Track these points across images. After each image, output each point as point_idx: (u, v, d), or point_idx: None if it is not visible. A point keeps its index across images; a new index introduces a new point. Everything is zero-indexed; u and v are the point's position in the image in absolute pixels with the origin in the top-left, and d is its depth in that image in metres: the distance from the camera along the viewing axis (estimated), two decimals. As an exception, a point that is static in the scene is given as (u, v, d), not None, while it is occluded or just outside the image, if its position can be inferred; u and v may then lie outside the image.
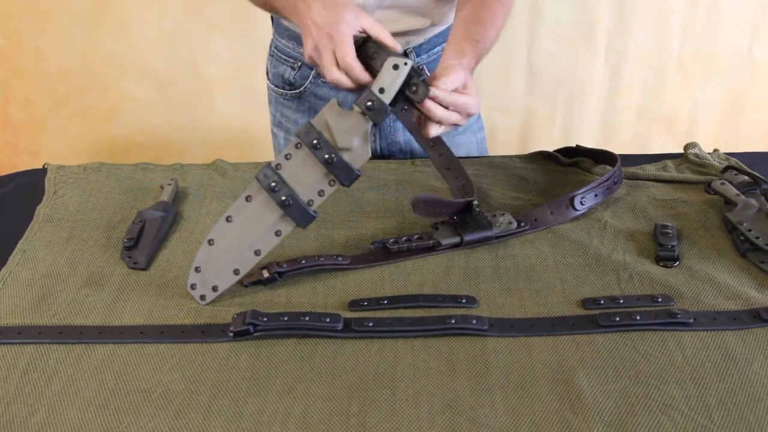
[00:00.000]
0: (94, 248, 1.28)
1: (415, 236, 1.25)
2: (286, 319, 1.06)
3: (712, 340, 1.04)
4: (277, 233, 1.16)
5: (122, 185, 1.47)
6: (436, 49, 1.55)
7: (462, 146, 1.64)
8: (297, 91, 1.60)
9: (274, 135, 1.74)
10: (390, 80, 1.10)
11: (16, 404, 0.96)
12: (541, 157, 1.54)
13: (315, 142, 1.12)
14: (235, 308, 1.11)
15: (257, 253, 1.16)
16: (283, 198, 1.13)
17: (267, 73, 1.68)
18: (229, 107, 2.63)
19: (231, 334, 1.06)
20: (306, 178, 1.14)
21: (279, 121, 1.69)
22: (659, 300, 1.11)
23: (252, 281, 1.17)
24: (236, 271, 1.15)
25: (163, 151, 2.63)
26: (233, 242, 1.15)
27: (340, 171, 1.13)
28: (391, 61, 1.10)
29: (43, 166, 1.53)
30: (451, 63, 1.20)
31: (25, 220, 1.36)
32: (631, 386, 0.96)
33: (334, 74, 1.14)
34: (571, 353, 1.02)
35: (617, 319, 1.06)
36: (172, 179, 1.43)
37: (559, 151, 1.54)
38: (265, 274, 1.17)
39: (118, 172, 1.52)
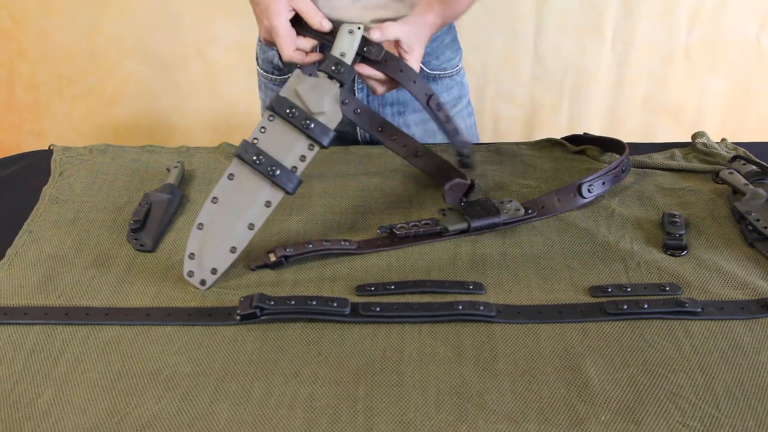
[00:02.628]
0: (101, 230, 1.27)
1: (423, 222, 1.24)
2: (293, 303, 1.06)
3: (719, 330, 1.04)
4: (267, 204, 1.17)
5: (129, 167, 1.47)
6: None
7: None
8: (285, 76, 1.61)
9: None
10: (348, 44, 1.22)
11: (22, 385, 0.96)
12: (549, 144, 1.54)
13: (288, 111, 1.18)
14: (242, 291, 1.11)
15: (251, 227, 1.16)
16: (268, 168, 1.16)
17: (257, 59, 1.69)
18: (234, 90, 2.62)
19: (238, 318, 1.06)
20: (285, 147, 1.18)
21: None
22: (667, 289, 1.11)
23: (259, 265, 1.17)
24: (233, 249, 1.15)
25: (167, 135, 2.62)
26: (224, 221, 1.16)
27: (317, 133, 1.18)
28: (345, 27, 1.22)
29: (49, 147, 1.53)
30: (410, 17, 1.30)
31: (30, 201, 1.35)
32: (639, 374, 0.96)
33: (286, 55, 1.25)
34: (578, 341, 1.02)
35: (625, 307, 1.06)
36: (178, 162, 1.43)
37: (566, 138, 1.54)
38: (272, 258, 1.17)
39: (125, 154, 1.51)
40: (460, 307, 1.06)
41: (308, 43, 1.27)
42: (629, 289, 1.11)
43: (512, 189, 1.38)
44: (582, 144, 1.51)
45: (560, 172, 1.43)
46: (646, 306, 1.06)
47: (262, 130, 1.19)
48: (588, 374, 0.96)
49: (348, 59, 1.22)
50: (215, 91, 2.63)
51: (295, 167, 1.18)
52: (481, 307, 1.06)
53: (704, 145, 1.50)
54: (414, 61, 1.29)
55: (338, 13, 1.46)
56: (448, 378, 0.96)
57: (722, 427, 0.89)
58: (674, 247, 1.20)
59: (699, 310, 1.06)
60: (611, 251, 1.20)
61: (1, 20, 2.52)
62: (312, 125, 1.18)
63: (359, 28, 1.23)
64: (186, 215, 1.32)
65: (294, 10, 1.25)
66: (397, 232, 1.22)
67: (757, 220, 1.22)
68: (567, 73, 2.64)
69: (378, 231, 1.24)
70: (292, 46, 1.25)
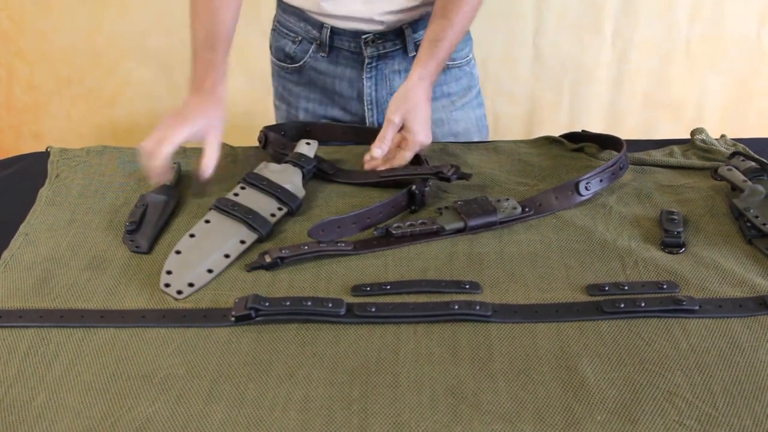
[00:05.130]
0: (97, 232, 1.27)
1: (419, 221, 1.24)
2: (288, 303, 1.06)
3: (717, 328, 1.03)
4: (242, 242, 1.22)
5: (125, 169, 1.46)
6: None
7: (459, 122, 1.65)
8: (297, 64, 1.62)
9: (276, 108, 1.76)
10: (307, 149, 1.41)
11: (16, 387, 0.96)
12: (547, 142, 1.53)
13: (260, 181, 1.32)
14: (236, 293, 1.11)
15: (227, 256, 1.19)
16: (244, 214, 1.25)
17: (270, 47, 1.71)
18: (233, 91, 2.62)
19: (233, 319, 1.05)
20: (258, 204, 1.28)
21: (281, 94, 1.72)
22: (664, 287, 1.10)
23: (254, 266, 1.17)
24: (210, 271, 1.17)
25: (166, 135, 2.62)
26: (201, 251, 1.19)
27: (286, 197, 1.30)
28: (302, 141, 1.43)
29: (46, 149, 1.53)
30: (405, 93, 1.40)
31: (27, 203, 1.35)
32: (636, 373, 0.96)
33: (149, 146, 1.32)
34: (575, 340, 1.02)
35: (622, 305, 1.06)
36: (175, 162, 1.43)
37: (564, 136, 1.53)
38: (267, 259, 1.17)
39: (121, 156, 1.51)
40: (456, 307, 1.05)
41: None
42: (626, 288, 1.10)
43: (510, 187, 1.37)
44: (580, 141, 1.50)
45: (558, 170, 1.43)
46: (643, 304, 1.06)
47: (235, 194, 1.30)
48: (584, 374, 0.96)
49: (311, 153, 1.41)
50: (214, 92, 2.63)
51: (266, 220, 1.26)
52: (477, 307, 1.05)
53: (703, 141, 1.49)
54: (418, 141, 1.38)
55: (342, 8, 1.48)
56: (444, 378, 0.96)
57: (719, 426, 0.88)
58: (672, 245, 1.19)
59: (697, 308, 1.05)
60: (609, 249, 1.20)
61: (0, 21, 2.51)
62: (281, 191, 1.30)
63: (309, 143, 1.43)
64: (181, 216, 1.31)
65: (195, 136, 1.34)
66: (394, 232, 1.22)
67: (756, 216, 1.22)
68: (567, 71, 2.63)
69: (374, 231, 1.24)
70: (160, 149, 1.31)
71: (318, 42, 1.57)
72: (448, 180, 1.33)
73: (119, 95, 2.64)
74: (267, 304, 1.05)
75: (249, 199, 1.29)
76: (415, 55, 1.50)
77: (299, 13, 1.58)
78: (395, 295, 1.11)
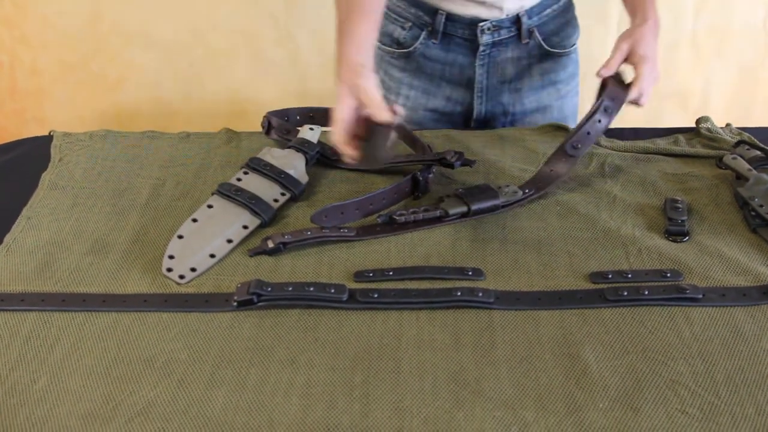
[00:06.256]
0: (99, 216, 1.27)
1: (422, 208, 1.23)
2: (290, 289, 1.05)
3: (720, 316, 1.03)
4: (245, 227, 1.22)
5: (129, 153, 1.46)
6: (546, 11, 1.53)
7: (562, 109, 1.65)
8: (406, 50, 1.57)
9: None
10: (311, 135, 1.42)
11: (18, 371, 0.96)
12: (552, 129, 1.52)
13: (263, 166, 1.32)
14: (239, 278, 1.11)
15: (229, 241, 1.19)
16: (247, 199, 1.25)
17: None
18: (237, 77, 2.61)
19: (235, 304, 1.05)
20: (261, 189, 1.29)
21: (381, 80, 1.63)
22: (668, 275, 1.10)
23: (256, 251, 1.17)
24: (212, 255, 1.17)
25: (170, 121, 2.61)
26: (203, 235, 1.19)
27: (290, 182, 1.30)
28: (306, 127, 1.44)
29: (49, 133, 1.52)
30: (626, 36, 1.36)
31: (30, 186, 1.35)
32: (638, 362, 0.95)
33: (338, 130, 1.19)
34: (577, 327, 1.01)
35: (625, 293, 1.05)
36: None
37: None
38: (270, 244, 1.16)
39: (125, 140, 1.50)
40: (459, 294, 1.05)
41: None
42: (630, 276, 1.10)
43: (514, 174, 1.37)
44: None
45: (562, 157, 1.42)
46: (646, 292, 1.05)
47: (238, 179, 1.30)
48: (587, 361, 0.96)
49: (314, 138, 1.42)
50: (218, 78, 2.62)
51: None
52: (480, 294, 1.05)
53: (708, 130, 1.48)
54: (648, 70, 1.35)
55: None
56: (446, 365, 0.96)
57: (722, 415, 0.88)
58: (676, 233, 1.19)
59: (700, 296, 1.05)
60: (612, 237, 1.19)
61: (3, 6, 2.50)
62: (284, 176, 1.31)
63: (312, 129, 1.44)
64: (183, 200, 1.30)
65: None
66: (397, 218, 1.21)
67: (761, 205, 1.21)
68: (572, 59, 2.62)
69: (378, 218, 1.23)
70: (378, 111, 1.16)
71: (430, 28, 1.54)
72: (451, 166, 1.32)
73: (123, 81, 2.64)
74: (269, 289, 1.05)
75: (252, 185, 1.29)
76: (528, 42, 1.51)
77: (411, 0, 1.54)
78: (398, 281, 1.11)
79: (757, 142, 1.40)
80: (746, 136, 1.45)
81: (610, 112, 1.32)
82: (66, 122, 2.63)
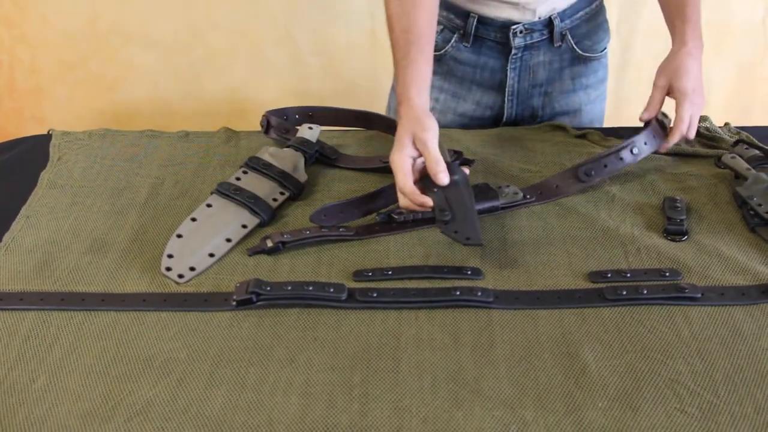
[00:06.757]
0: (98, 215, 1.27)
1: (421, 207, 1.23)
2: (289, 288, 1.05)
3: (719, 315, 1.03)
4: (244, 226, 1.22)
5: (127, 152, 1.46)
6: (578, 14, 1.53)
7: (590, 113, 1.65)
8: (437, 53, 1.56)
9: (392, 95, 1.68)
10: (310, 134, 1.42)
11: (17, 370, 0.96)
12: (551, 128, 1.52)
13: (263, 165, 1.32)
14: (238, 277, 1.11)
15: (228, 240, 1.20)
16: (246, 198, 1.25)
17: None
18: (235, 76, 2.61)
19: (234, 303, 1.05)
20: (260, 188, 1.29)
21: None
22: (667, 274, 1.10)
23: (255, 251, 1.17)
24: (211, 255, 1.17)
25: (168, 120, 2.61)
26: (202, 235, 1.19)
27: (288, 182, 1.30)
28: (305, 126, 1.44)
29: (48, 132, 1.52)
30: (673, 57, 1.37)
31: (29, 185, 1.35)
32: (637, 361, 0.95)
33: (406, 186, 1.17)
34: (576, 327, 1.01)
35: (624, 293, 1.05)
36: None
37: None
38: (269, 243, 1.16)
39: (124, 139, 1.50)
40: (458, 293, 1.05)
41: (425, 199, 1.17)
42: (629, 275, 1.10)
43: (512, 173, 1.37)
44: (584, 128, 1.50)
45: (561, 157, 1.42)
46: (645, 292, 1.05)
47: (238, 178, 1.30)
48: (586, 360, 0.96)
49: (313, 137, 1.42)
50: (217, 77, 2.62)
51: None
52: (479, 293, 1.05)
53: (707, 129, 1.48)
54: (687, 109, 1.35)
55: None
56: (445, 364, 0.96)
57: (720, 414, 0.88)
58: (675, 233, 1.19)
59: (699, 295, 1.05)
60: (611, 236, 1.19)
61: (2, 6, 2.50)
62: (283, 176, 1.31)
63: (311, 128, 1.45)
64: (182, 199, 1.30)
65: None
66: (396, 218, 1.21)
67: (759, 205, 1.21)
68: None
69: (376, 217, 1.23)
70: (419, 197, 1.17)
71: (462, 32, 1.54)
72: None
73: (122, 80, 2.63)
74: (268, 288, 1.05)
75: (251, 184, 1.29)
76: (560, 45, 1.51)
77: (443, 2, 1.51)
78: (397, 280, 1.11)
79: (756, 142, 1.40)
80: (745, 135, 1.45)
81: (637, 155, 1.32)
82: (65, 121, 2.63)
